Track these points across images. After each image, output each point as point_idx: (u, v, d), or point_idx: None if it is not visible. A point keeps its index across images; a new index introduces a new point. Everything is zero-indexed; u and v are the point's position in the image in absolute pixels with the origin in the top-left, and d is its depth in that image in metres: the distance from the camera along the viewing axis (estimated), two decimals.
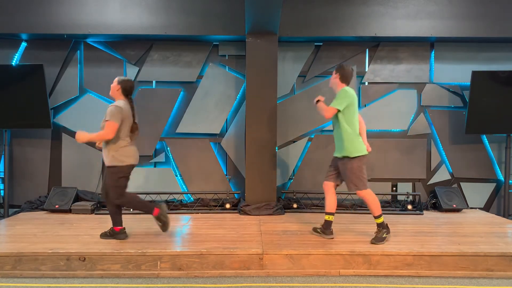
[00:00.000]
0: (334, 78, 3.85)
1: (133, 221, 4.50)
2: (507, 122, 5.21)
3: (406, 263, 3.37)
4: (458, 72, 5.54)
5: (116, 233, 3.80)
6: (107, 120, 3.56)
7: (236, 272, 3.34)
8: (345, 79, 3.79)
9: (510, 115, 5.18)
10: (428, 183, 5.62)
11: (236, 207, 5.24)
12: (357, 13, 5.26)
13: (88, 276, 3.30)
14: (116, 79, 3.76)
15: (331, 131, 5.55)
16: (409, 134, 5.60)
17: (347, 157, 3.73)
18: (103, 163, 3.81)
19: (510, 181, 5.42)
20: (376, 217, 3.77)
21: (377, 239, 3.66)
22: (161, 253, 3.35)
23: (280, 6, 4.41)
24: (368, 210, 5.15)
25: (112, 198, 3.69)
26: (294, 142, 5.60)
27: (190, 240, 3.81)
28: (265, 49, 5.07)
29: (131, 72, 5.49)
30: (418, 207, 5.18)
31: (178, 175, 5.55)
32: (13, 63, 5.35)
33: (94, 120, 5.44)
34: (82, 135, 3.56)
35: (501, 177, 5.58)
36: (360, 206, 5.25)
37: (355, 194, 5.24)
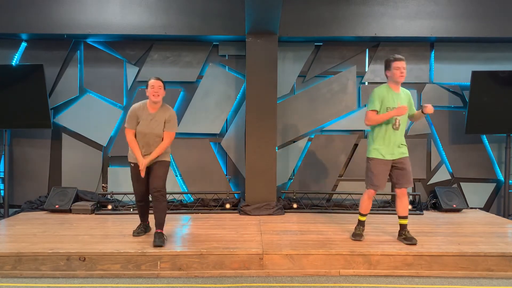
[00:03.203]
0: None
1: (133, 221, 4.50)
2: (507, 122, 5.21)
3: (406, 263, 3.37)
4: (458, 72, 5.54)
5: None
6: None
7: (236, 272, 3.34)
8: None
9: (510, 115, 5.18)
10: (428, 183, 5.62)
11: (236, 207, 5.24)
12: (357, 13, 5.26)
13: (88, 276, 3.30)
14: None
15: (331, 131, 5.59)
16: (409, 134, 5.59)
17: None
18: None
19: (510, 181, 5.41)
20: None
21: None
22: (161, 253, 3.35)
23: (280, 6, 4.41)
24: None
25: None
26: (294, 142, 5.60)
27: (190, 240, 3.80)
28: (265, 49, 5.07)
29: (131, 72, 5.49)
30: (418, 207, 5.18)
31: (178, 175, 5.55)
32: (13, 63, 5.35)
33: (94, 120, 5.48)
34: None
35: (501, 177, 5.58)
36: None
37: (355, 194, 5.34)
